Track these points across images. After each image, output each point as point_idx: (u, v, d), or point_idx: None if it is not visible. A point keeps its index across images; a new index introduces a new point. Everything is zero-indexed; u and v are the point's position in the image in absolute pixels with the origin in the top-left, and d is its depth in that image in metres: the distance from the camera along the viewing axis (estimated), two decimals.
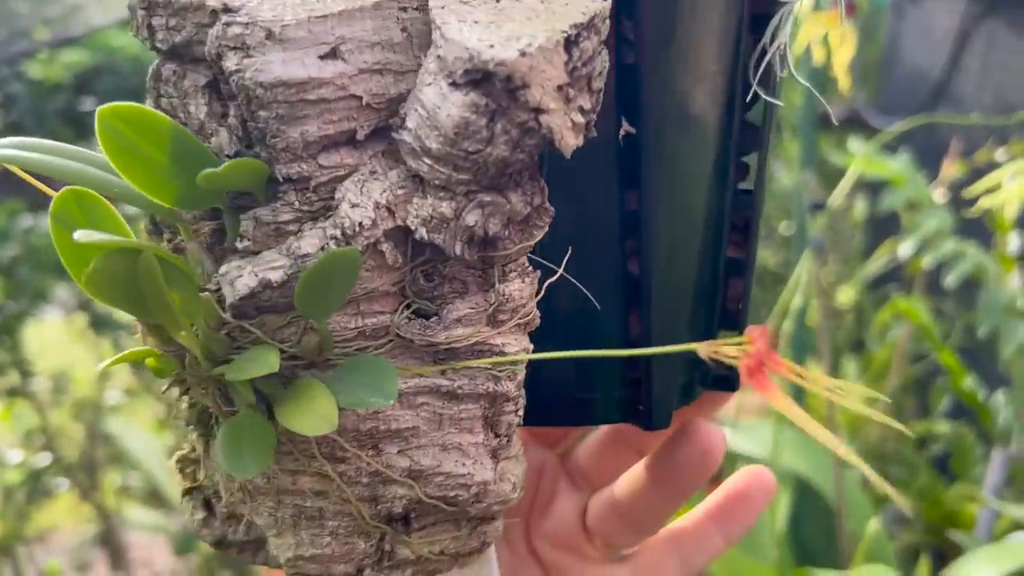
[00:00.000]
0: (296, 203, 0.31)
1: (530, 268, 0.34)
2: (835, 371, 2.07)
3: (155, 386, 1.85)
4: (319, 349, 0.32)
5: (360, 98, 0.31)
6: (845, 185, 0.89)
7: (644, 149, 0.35)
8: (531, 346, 0.34)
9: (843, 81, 0.86)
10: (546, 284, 0.34)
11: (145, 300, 0.29)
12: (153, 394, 1.78)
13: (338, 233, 0.31)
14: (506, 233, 0.33)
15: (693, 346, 0.29)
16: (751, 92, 0.38)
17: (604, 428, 0.46)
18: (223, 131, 0.31)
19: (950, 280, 1.26)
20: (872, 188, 1.98)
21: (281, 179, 0.31)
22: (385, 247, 0.32)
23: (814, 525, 1.11)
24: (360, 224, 0.31)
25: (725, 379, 0.42)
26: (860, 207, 2.29)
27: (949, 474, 1.70)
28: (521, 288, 0.34)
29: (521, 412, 0.35)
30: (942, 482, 1.63)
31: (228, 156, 0.31)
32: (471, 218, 0.32)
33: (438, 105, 0.30)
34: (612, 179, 0.37)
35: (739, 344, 0.29)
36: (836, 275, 2.24)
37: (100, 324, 1.66)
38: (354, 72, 0.31)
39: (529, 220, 0.33)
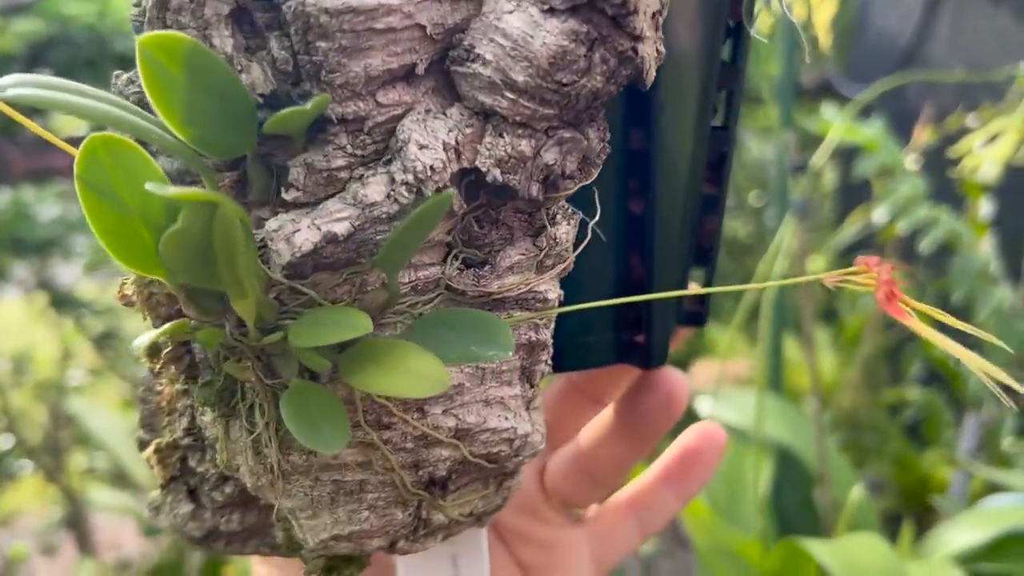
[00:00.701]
0: (349, 147, 0.29)
1: (572, 210, 0.33)
2: (810, 338, 2.07)
3: (119, 365, 1.80)
4: (384, 307, 0.30)
5: (424, 28, 0.28)
6: (826, 147, 0.87)
7: (654, 85, 0.33)
8: (562, 293, 0.33)
9: (823, 39, 0.84)
10: (590, 226, 0.33)
11: (215, 263, 0.25)
12: (117, 373, 1.73)
13: (410, 178, 0.28)
14: (579, 172, 0.31)
15: (826, 276, 0.29)
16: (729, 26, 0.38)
17: (560, 383, 0.44)
18: (255, 67, 0.28)
19: (924, 246, 1.26)
20: (843, 156, 1.98)
21: (335, 120, 0.28)
22: (456, 193, 0.30)
23: (795, 494, 1.11)
24: (431, 168, 0.28)
25: (696, 315, 0.42)
26: (831, 175, 2.29)
27: (921, 440, 1.71)
28: (567, 231, 0.32)
29: (551, 361, 0.34)
30: (914, 448, 1.64)
31: (262, 96, 0.28)
32: (550, 156, 0.31)
33: (529, 33, 0.28)
34: (616, 117, 0.35)
35: (866, 273, 0.29)
36: (808, 243, 2.24)
37: (61, 303, 1.62)
38: None
39: (590, 158, 0.31)
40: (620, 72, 0.29)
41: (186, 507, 0.36)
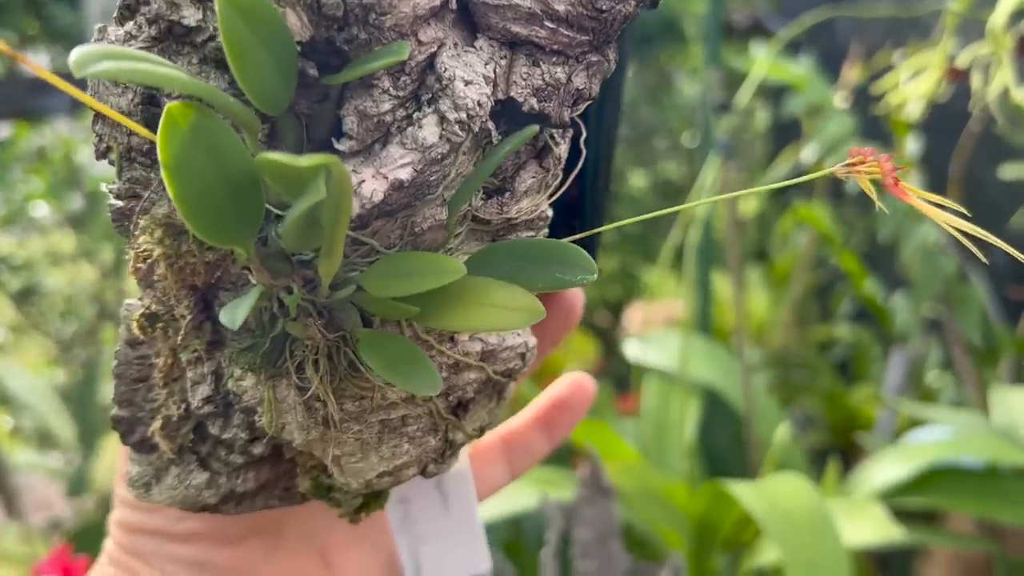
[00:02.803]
0: (392, 89, 0.28)
1: (567, 131, 0.34)
2: (739, 279, 2.08)
3: (41, 323, 1.74)
4: (441, 246, 0.31)
5: None
6: (750, 85, 0.85)
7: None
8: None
9: None
10: (582, 141, 0.35)
11: (321, 229, 0.25)
12: (40, 331, 1.67)
13: (462, 116, 0.29)
14: (595, 92, 0.32)
15: (836, 169, 0.31)
16: None
17: None
18: (291, 13, 0.27)
19: (852, 185, 1.25)
20: (774, 95, 1.96)
21: None
22: (491, 126, 0.30)
23: (724, 434, 1.11)
24: (479, 103, 0.29)
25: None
26: (762, 115, 2.28)
27: (850, 377, 1.73)
28: (565, 149, 0.34)
29: None
30: (843, 384, 1.66)
31: (299, 43, 0.27)
32: (579, 80, 0.31)
33: None
34: None
35: (865, 163, 0.32)
36: (739, 183, 2.24)
37: None
38: None
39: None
40: None
41: (200, 476, 0.36)
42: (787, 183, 0.37)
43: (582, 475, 0.71)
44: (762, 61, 1.07)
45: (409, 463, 0.36)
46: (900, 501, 0.90)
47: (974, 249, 0.34)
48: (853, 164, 0.32)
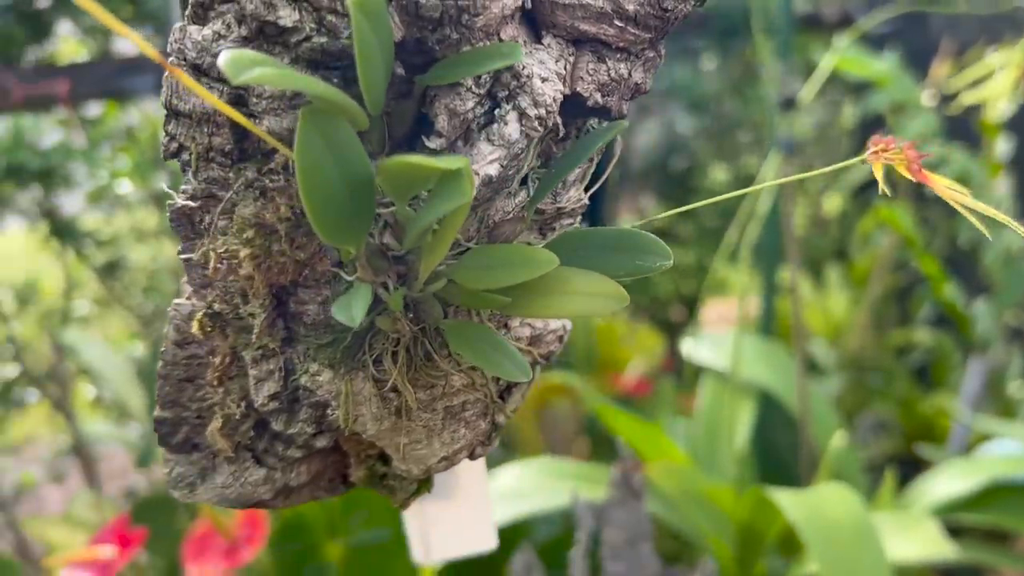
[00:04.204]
0: (473, 87, 0.30)
1: (599, 120, 0.35)
2: (817, 278, 2.03)
3: (125, 297, 1.80)
4: (516, 236, 0.32)
5: None
6: (816, 81, 0.82)
7: None
8: None
9: None
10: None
11: (433, 232, 0.27)
12: (123, 304, 1.73)
13: (542, 112, 0.30)
14: (650, 86, 0.34)
15: (864, 156, 0.33)
16: None
17: None
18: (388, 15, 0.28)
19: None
20: (864, 91, 1.90)
21: None
22: (559, 121, 0.31)
23: (781, 439, 1.08)
24: (554, 99, 0.30)
25: None
26: (850, 111, 2.22)
27: (929, 383, 1.67)
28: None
29: None
30: (920, 391, 1.60)
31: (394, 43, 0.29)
32: (638, 75, 0.33)
33: None
34: None
35: (889, 150, 0.33)
36: (824, 182, 2.18)
37: (63, 233, 1.61)
38: None
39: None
40: None
41: (257, 473, 0.37)
42: (803, 176, 0.36)
43: (614, 476, 0.70)
44: (831, 55, 1.03)
45: (464, 447, 0.37)
46: (955, 517, 0.86)
47: (985, 230, 0.35)
48: (875, 152, 0.33)
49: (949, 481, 0.93)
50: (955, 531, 0.82)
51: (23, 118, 1.63)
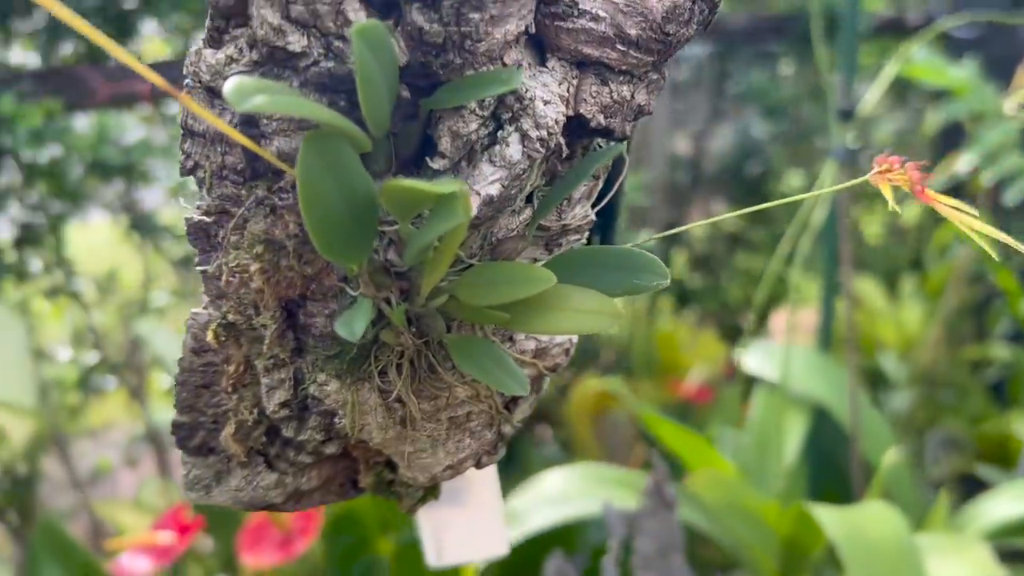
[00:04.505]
0: (477, 109, 0.31)
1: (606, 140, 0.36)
2: (892, 289, 1.99)
3: (200, 290, 1.85)
4: (519, 253, 0.33)
5: None
6: (877, 91, 0.81)
7: None
8: None
9: None
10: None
11: (433, 249, 0.29)
12: (198, 298, 1.78)
13: (544, 134, 0.31)
14: (652, 107, 0.35)
15: (867, 177, 0.34)
16: None
17: None
18: (393, 41, 0.30)
19: (1010, 197, 1.17)
20: (944, 99, 1.86)
21: None
22: (563, 141, 0.33)
23: (831, 453, 1.06)
24: (556, 121, 0.31)
25: None
26: (932, 119, 2.16)
27: (1004, 400, 1.62)
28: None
29: None
30: (996, 408, 1.56)
31: (399, 67, 0.30)
32: (641, 97, 0.34)
33: None
34: None
35: (893, 170, 0.34)
36: (902, 192, 2.14)
37: (141, 227, 1.67)
38: None
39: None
40: (707, 18, 0.33)
41: (269, 477, 0.38)
42: (798, 198, 0.37)
43: (646, 486, 0.71)
44: (896, 63, 1.01)
45: (469, 456, 0.39)
46: (1009, 543, 0.84)
47: (992, 253, 0.36)
48: (881, 172, 0.34)
49: (1009, 503, 0.90)
50: (1009, 556, 0.80)
51: (107, 115, 1.70)
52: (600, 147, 0.35)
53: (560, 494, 0.89)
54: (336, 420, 0.35)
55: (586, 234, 0.37)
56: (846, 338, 0.95)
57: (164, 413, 1.68)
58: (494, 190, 0.30)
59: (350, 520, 1.14)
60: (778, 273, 2.18)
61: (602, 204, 0.36)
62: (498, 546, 0.46)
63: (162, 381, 1.83)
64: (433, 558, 0.46)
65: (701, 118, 2.38)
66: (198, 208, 0.33)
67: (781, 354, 1.00)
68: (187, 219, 0.34)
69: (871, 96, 0.83)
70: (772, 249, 2.19)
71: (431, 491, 0.41)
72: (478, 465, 0.39)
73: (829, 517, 0.72)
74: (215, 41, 0.32)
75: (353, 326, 0.29)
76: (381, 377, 0.34)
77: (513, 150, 0.31)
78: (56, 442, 1.77)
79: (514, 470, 1.56)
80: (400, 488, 0.39)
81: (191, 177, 0.34)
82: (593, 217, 0.36)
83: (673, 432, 0.91)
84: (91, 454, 1.96)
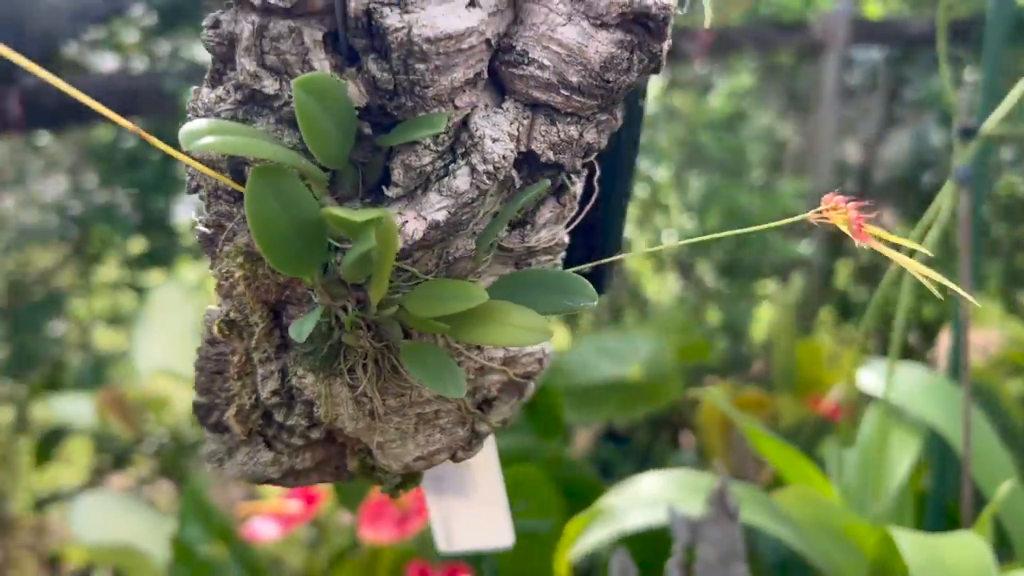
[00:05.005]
0: (432, 145, 0.35)
1: (581, 173, 0.40)
2: (1011, 309, 1.87)
3: None
4: (469, 273, 0.38)
5: (489, 40, 0.35)
6: (1004, 107, 0.78)
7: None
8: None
9: None
10: (596, 180, 0.42)
11: (371, 264, 0.33)
12: None
13: (490, 168, 0.35)
14: (603, 144, 0.38)
15: (807, 215, 0.36)
16: None
17: None
18: (352, 86, 0.35)
19: None
20: None
21: None
22: (515, 174, 0.37)
23: (947, 480, 1.03)
24: (503, 157, 0.35)
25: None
26: None
27: None
28: (579, 189, 0.40)
29: None
30: None
31: (357, 109, 0.35)
32: (590, 136, 0.37)
33: (583, 43, 0.34)
34: None
35: (837, 209, 0.36)
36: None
37: None
38: (486, 16, 0.34)
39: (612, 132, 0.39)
40: (649, 67, 0.35)
41: (266, 455, 0.44)
42: (768, 226, 0.38)
43: (710, 495, 0.72)
44: None
45: (441, 449, 0.42)
46: None
47: (936, 291, 0.37)
48: (826, 212, 0.36)
49: None
50: None
51: None
52: (571, 177, 0.38)
53: (654, 498, 0.90)
54: (315, 409, 0.40)
55: (560, 254, 0.40)
56: (960, 357, 0.92)
57: None
58: (440, 216, 0.34)
59: None
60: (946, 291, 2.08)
61: (573, 226, 0.39)
62: (503, 537, 0.49)
63: None
64: (443, 544, 0.50)
65: (874, 124, 2.30)
66: (201, 221, 0.39)
67: (908, 375, 0.97)
68: (195, 230, 0.39)
69: (997, 113, 0.80)
70: (945, 265, 2.10)
71: (411, 478, 0.45)
72: (454, 459, 0.43)
73: (909, 542, 0.71)
74: (215, 81, 0.37)
75: (302, 328, 0.34)
76: (350, 374, 0.38)
77: (460, 182, 0.34)
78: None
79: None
80: (380, 473, 0.44)
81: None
82: (565, 239, 0.40)
83: (773, 447, 0.91)
84: None
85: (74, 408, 1.52)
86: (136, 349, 1.52)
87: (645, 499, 0.91)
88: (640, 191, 2.21)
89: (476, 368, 0.40)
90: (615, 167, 0.44)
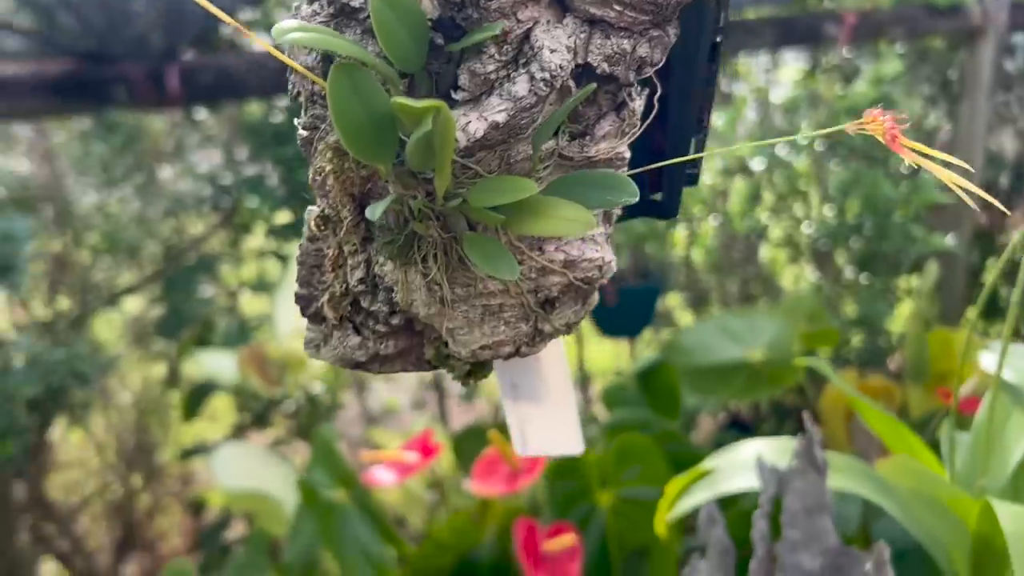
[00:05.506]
0: (496, 55, 0.39)
1: (640, 89, 0.43)
2: None
3: None
4: (528, 173, 0.42)
5: None
6: None
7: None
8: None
9: None
10: (656, 98, 0.44)
11: (434, 153, 0.37)
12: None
13: (547, 76, 0.39)
14: (658, 59, 0.41)
15: (847, 125, 0.39)
16: None
17: None
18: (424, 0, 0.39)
19: None
20: None
21: None
22: (572, 84, 0.41)
23: None
24: (560, 66, 0.39)
25: (694, 176, 0.52)
26: None
27: None
28: (640, 105, 0.43)
29: (622, 209, 0.47)
30: None
31: (431, 20, 0.39)
32: (643, 50, 0.41)
33: None
34: None
35: (875, 121, 0.38)
36: None
37: None
38: None
39: (666, 49, 0.42)
40: None
41: (354, 339, 0.49)
42: (801, 136, 0.40)
43: (797, 447, 0.73)
44: None
45: (505, 341, 0.46)
46: None
47: (971, 203, 0.39)
48: (864, 123, 0.39)
49: None
50: None
51: None
52: (631, 94, 0.41)
53: (754, 464, 0.91)
54: (394, 295, 0.44)
55: (621, 168, 0.43)
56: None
57: None
58: (500, 117, 0.38)
59: (572, 469, 1.23)
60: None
61: (630, 140, 0.42)
62: (574, 445, 0.53)
63: None
64: (519, 448, 0.54)
65: None
66: (300, 124, 0.44)
67: (1013, 353, 0.95)
68: (298, 133, 0.44)
69: None
70: None
71: (479, 368, 0.49)
72: (519, 353, 0.46)
73: (1007, 512, 0.70)
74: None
75: (376, 210, 0.39)
76: (423, 263, 0.43)
77: (520, 87, 0.38)
78: (355, 380, 2.01)
79: None
80: (453, 361, 0.48)
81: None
82: (625, 154, 0.43)
83: (879, 418, 0.90)
84: (385, 393, 2.21)
85: (219, 363, 1.64)
86: (277, 312, 1.63)
87: (747, 463, 0.92)
88: (778, 179, 2.19)
89: (537, 268, 0.44)
90: (686, 92, 0.46)
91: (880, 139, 0.37)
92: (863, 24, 1.99)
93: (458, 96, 0.39)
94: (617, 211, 0.47)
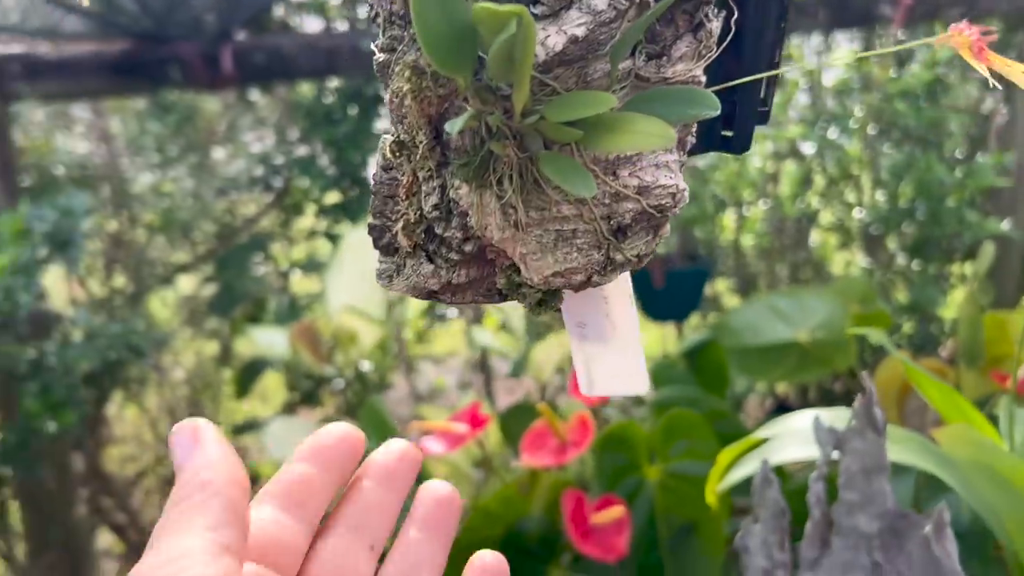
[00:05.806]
0: None
1: (717, 11, 0.43)
2: None
3: None
4: (606, 90, 0.42)
5: None
6: None
7: None
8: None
9: None
10: (733, 21, 0.45)
11: (513, 65, 0.38)
12: None
13: None
14: None
15: (936, 39, 0.40)
16: None
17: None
18: None
19: None
20: None
21: None
22: (652, 0, 0.41)
23: None
24: None
25: (765, 114, 0.52)
26: None
27: None
28: (716, 27, 0.43)
29: (694, 136, 0.47)
30: None
31: None
32: None
33: None
34: None
35: (960, 35, 0.39)
36: None
37: None
38: None
39: None
40: None
41: (428, 267, 0.50)
42: (879, 52, 0.40)
43: (856, 407, 0.73)
44: None
45: (577, 269, 0.46)
46: None
47: None
48: (950, 36, 0.39)
49: None
50: None
51: None
52: (708, 15, 0.42)
53: (809, 433, 0.91)
54: (468, 220, 0.45)
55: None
56: None
57: (493, 342, 1.88)
58: (580, 31, 0.39)
59: (621, 442, 1.24)
60: None
61: (705, 62, 0.43)
62: (640, 385, 0.53)
63: (494, 314, 2.03)
64: (585, 388, 0.55)
65: None
66: (377, 47, 0.45)
67: None
68: (373, 56, 0.45)
69: None
70: None
71: (550, 296, 0.49)
72: (590, 282, 0.47)
73: None
74: None
75: (455, 125, 0.40)
76: (498, 185, 0.43)
77: (599, 1, 0.39)
78: (404, 361, 2.03)
79: None
80: (524, 289, 0.48)
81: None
82: (701, 77, 0.43)
83: (936, 389, 0.90)
84: (433, 375, 2.22)
85: (271, 339, 1.67)
86: (327, 289, 1.65)
87: (802, 432, 0.92)
88: (829, 162, 2.17)
89: (611, 193, 0.44)
90: (759, 23, 0.46)
91: (964, 53, 0.37)
92: (920, 4, 1.97)
93: (537, 10, 0.40)
94: (691, 139, 0.47)
